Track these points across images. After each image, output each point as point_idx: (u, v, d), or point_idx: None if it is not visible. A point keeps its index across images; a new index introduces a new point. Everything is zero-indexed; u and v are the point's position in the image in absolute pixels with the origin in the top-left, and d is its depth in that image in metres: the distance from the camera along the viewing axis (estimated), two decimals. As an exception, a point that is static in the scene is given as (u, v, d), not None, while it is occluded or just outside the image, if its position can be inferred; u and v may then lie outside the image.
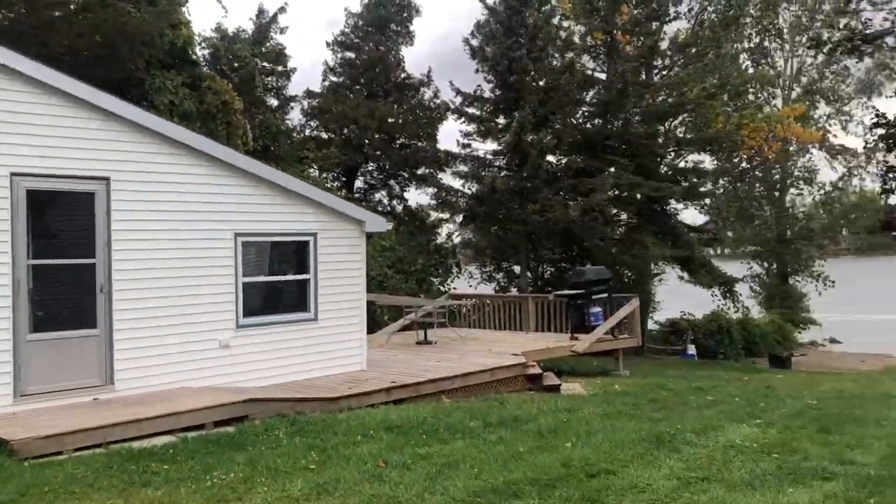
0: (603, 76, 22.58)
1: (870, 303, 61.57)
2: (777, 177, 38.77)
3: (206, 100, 16.58)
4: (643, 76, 22.60)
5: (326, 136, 26.07)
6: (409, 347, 13.68)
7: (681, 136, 22.16)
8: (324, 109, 25.44)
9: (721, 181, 34.56)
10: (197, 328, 9.29)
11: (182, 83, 15.99)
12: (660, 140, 21.66)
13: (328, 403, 8.91)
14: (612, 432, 7.73)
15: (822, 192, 39.16)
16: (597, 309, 14.14)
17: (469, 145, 22.08)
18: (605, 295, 14.35)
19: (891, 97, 36.82)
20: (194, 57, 17.36)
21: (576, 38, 23.40)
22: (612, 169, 20.07)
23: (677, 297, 32.23)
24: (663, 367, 18.31)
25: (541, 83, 21.02)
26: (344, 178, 26.60)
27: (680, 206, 24.44)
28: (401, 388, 9.81)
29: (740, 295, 24.25)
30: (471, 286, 23.64)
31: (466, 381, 10.59)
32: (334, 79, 26.97)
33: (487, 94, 21.71)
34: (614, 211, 21.55)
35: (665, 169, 23.06)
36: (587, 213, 18.80)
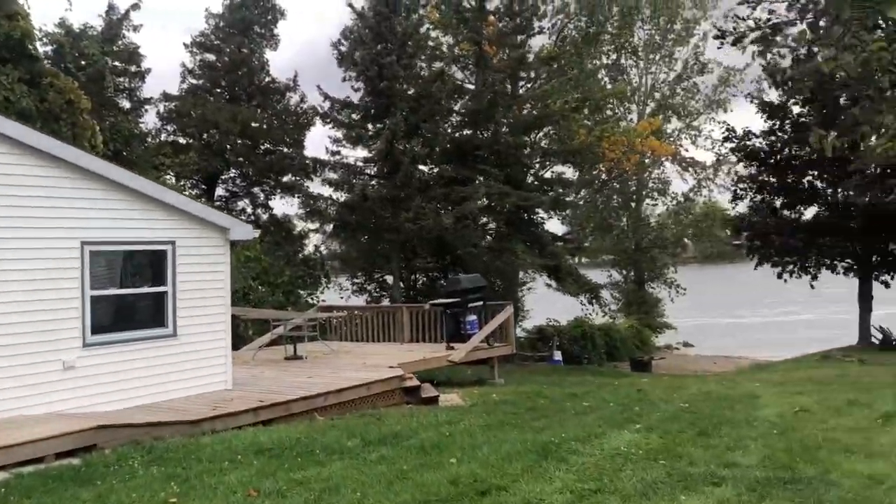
0: (472, 86, 22.66)
1: (717, 307, 65.78)
2: (633, 188, 40.53)
3: (47, 98, 15.13)
4: (509, 88, 22.87)
5: (184, 141, 24.65)
6: (278, 363, 12.94)
7: (546, 147, 22.53)
8: (182, 113, 24.04)
9: (583, 191, 35.78)
10: (36, 348, 8.26)
11: (19, 79, 14.51)
12: (527, 151, 21.93)
13: (190, 427, 8.13)
14: (497, 444, 7.44)
15: (674, 202, 41.24)
16: (472, 317, 13.95)
17: (338, 152, 21.50)
18: (481, 303, 14.20)
19: (731, 112, 39.59)
20: (33, 52, 15.82)
21: (444, 49, 23.38)
22: (482, 178, 20.07)
23: (540, 304, 32.92)
24: (534, 374, 18.43)
25: (411, 91, 20.76)
26: (204, 186, 25.24)
27: (545, 215, 24.92)
28: (270, 407, 9.14)
29: (606, 301, 24.90)
30: (341, 298, 22.98)
31: (341, 397, 10.05)
32: (193, 81, 25.58)
33: (357, 101, 21.22)
34: (484, 219, 21.58)
35: (532, 179, 23.41)
36: (460, 221, 18.68)
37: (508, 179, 21.16)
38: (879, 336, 22.37)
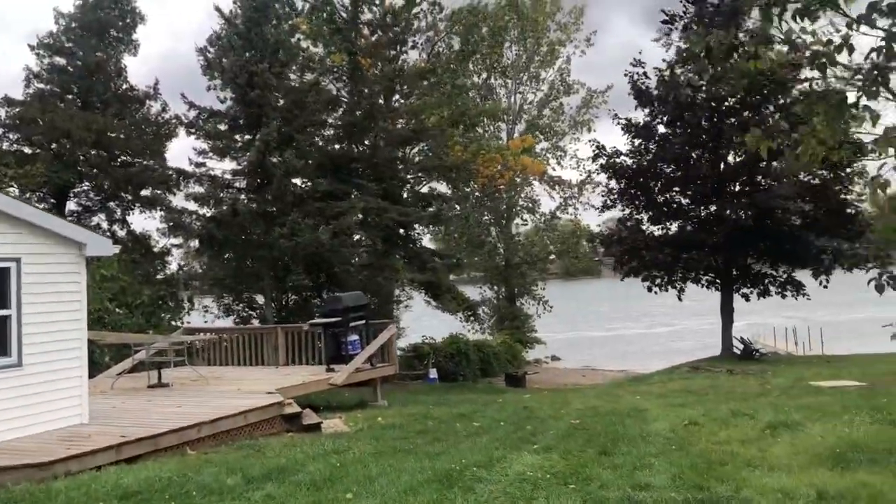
0: (346, 99, 22.06)
1: (581, 321, 67.95)
2: (504, 206, 41.10)
3: None
4: (382, 101, 22.44)
5: (30, 151, 22.56)
6: (141, 392, 11.77)
7: (423, 162, 22.24)
8: (26, 119, 21.98)
9: (457, 208, 35.87)
10: None
11: None
12: (402, 166, 21.57)
13: (39, 470, 7.06)
14: (394, 475, 6.87)
15: (542, 220, 42.14)
16: (354, 337, 13.29)
17: (204, 164, 20.24)
18: (363, 322, 13.57)
19: (595, 132, 41.05)
20: None
21: (317, 59, 22.65)
22: (359, 193, 19.46)
23: (412, 323, 32.56)
24: (415, 394, 17.93)
25: (284, 101, 19.88)
26: (53, 200, 23.16)
27: (421, 231, 24.63)
28: (134, 442, 8.14)
29: (483, 317, 24.79)
30: (206, 321, 21.61)
31: (216, 428, 9.14)
32: (40, 86, 23.51)
33: (225, 110, 20.09)
34: (358, 236, 20.96)
35: (408, 195, 23.06)
36: (337, 237, 17.97)
37: (386, 195, 20.68)
38: (741, 346, 23.45)
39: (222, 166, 20.40)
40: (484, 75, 38.17)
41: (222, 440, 9.14)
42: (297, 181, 20.04)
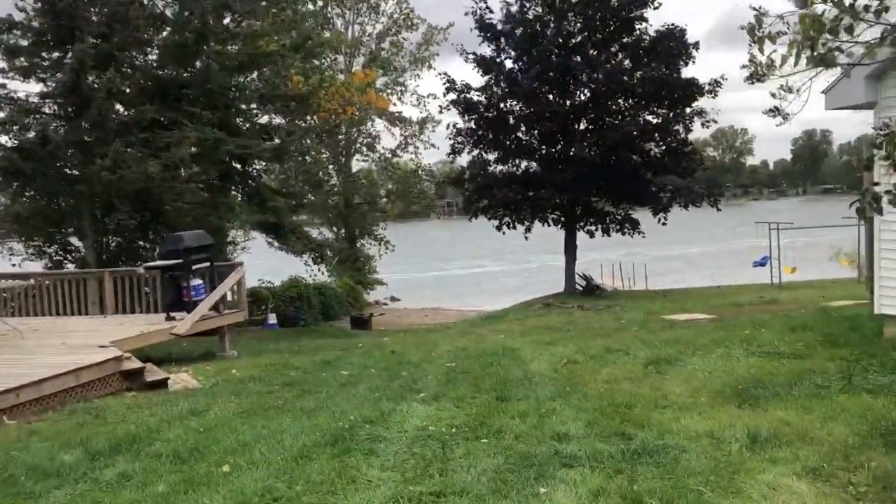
0: (174, 19, 19.71)
1: (420, 262, 68.24)
2: (343, 143, 39.66)
3: None
4: (212, 22, 20.30)
5: None
6: (-64, 351, 9.81)
7: (262, 91, 20.46)
8: None
9: (306, 142, 34.04)
10: None
11: None
12: (237, 94, 19.73)
13: None
14: (273, 439, 5.87)
15: (382, 159, 41.15)
16: (198, 281, 11.86)
17: (3, 86, 17.37)
18: (208, 264, 12.13)
19: (434, 69, 40.33)
20: None
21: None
22: (191, 123, 17.52)
23: (252, 266, 30.82)
24: (262, 342, 16.70)
25: (99, 15, 17.36)
26: None
27: (261, 167, 22.98)
28: (-66, 415, 6.56)
29: (332, 259, 23.65)
30: (14, 265, 18.98)
31: (40, 391, 7.63)
32: None
33: (27, 21, 17.24)
34: (196, 169, 19.05)
35: (247, 126, 21.28)
36: (168, 171, 16.07)
37: (221, 125, 18.84)
38: (583, 283, 24.00)
39: (27, 88, 17.65)
40: (320, 3, 36.12)
41: (49, 405, 7.67)
42: (120, 108, 17.70)
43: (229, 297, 12.76)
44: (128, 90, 17.76)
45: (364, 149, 40.29)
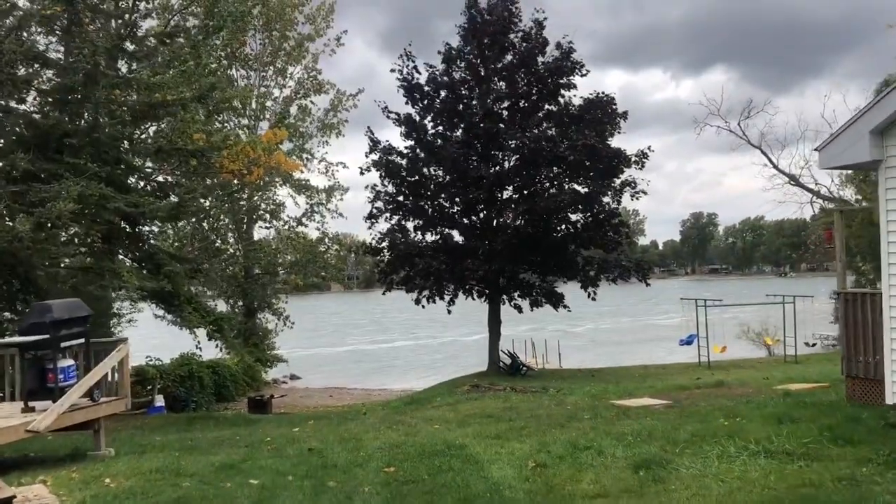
0: (60, 57, 17.44)
1: (320, 337, 65.36)
2: (244, 209, 37.34)
3: None
4: (104, 66, 18.15)
5: None
6: None
7: (160, 144, 18.29)
8: None
9: (205, 201, 31.53)
10: None
11: None
12: (127, 146, 17.52)
13: None
14: None
15: (287, 227, 39.00)
16: (68, 362, 9.48)
17: None
18: (81, 341, 9.76)
19: (344, 137, 38.84)
20: None
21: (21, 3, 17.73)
22: (72, 176, 15.14)
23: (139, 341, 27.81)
24: (146, 431, 14.11)
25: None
26: None
27: (155, 229, 20.57)
28: None
29: (231, 333, 21.16)
30: None
31: None
32: None
33: None
34: (75, 230, 16.55)
35: (141, 184, 18.99)
36: (41, 229, 13.60)
37: (110, 181, 16.53)
38: (507, 361, 22.40)
39: None
40: (224, 62, 34.23)
41: None
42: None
43: (109, 381, 10.37)
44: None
45: (267, 216, 38.06)
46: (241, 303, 39.03)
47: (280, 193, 37.93)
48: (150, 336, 25.72)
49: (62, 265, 16.79)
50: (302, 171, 37.03)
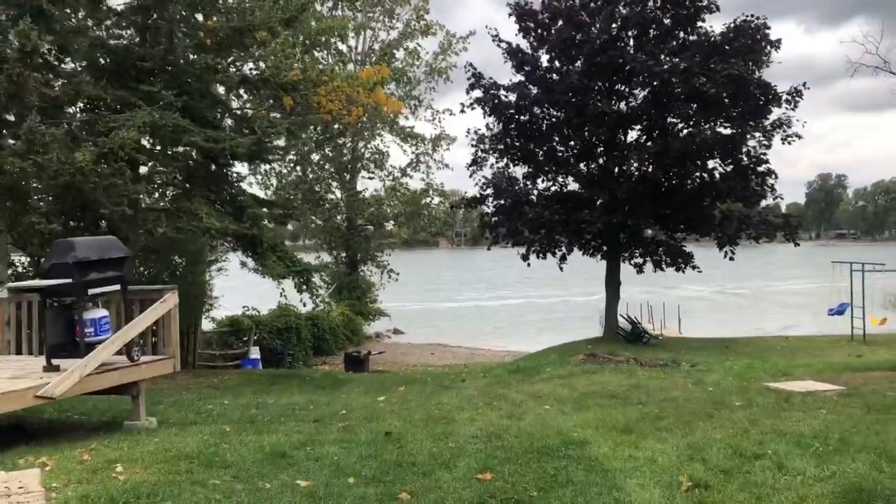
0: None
1: (423, 291, 64.22)
2: (348, 157, 35.90)
3: None
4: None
5: None
6: None
7: (248, 74, 16.60)
8: None
9: (293, 154, 30.22)
10: None
11: None
12: (216, 76, 15.85)
13: None
14: None
15: (391, 177, 37.36)
16: (100, 313, 7.79)
17: None
18: (117, 287, 8.05)
19: (452, 82, 36.53)
20: None
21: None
22: (146, 105, 13.59)
23: (235, 293, 26.87)
24: (216, 394, 12.56)
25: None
26: None
27: (243, 170, 19.13)
28: None
29: (319, 288, 19.56)
30: None
31: None
32: None
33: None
34: (152, 165, 15.16)
35: (230, 120, 17.43)
36: (105, 161, 12.09)
37: (191, 113, 15.00)
38: (627, 327, 19.83)
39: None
40: (329, 3, 32.42)
41: None
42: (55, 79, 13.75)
43: (153, 339, 8.69)
44: (68, 59, 13.87)
45: (371, 165, 36.48)
46: (344, 254, 37.92)
47: (385, 141, 36.27)
48: (253, 285, 24.59)
49: (141, 206, 15.43)
50: (405, 116, 35.12)
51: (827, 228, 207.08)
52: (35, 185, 12.45)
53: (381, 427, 8.02)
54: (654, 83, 18.50)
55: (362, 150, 36.09)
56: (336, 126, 27.24)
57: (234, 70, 16.57)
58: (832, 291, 21.29)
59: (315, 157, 32.63)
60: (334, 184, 36.17)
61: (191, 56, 15.59)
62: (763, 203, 20.35)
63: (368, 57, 34.74)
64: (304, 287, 15.85)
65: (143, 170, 15.22)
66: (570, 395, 10.38)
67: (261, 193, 28.20)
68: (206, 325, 24.23)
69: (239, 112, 18.42)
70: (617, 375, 12.11)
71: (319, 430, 8.05)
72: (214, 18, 16.28)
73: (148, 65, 14.14)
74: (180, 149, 15.94)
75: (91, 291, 7.63)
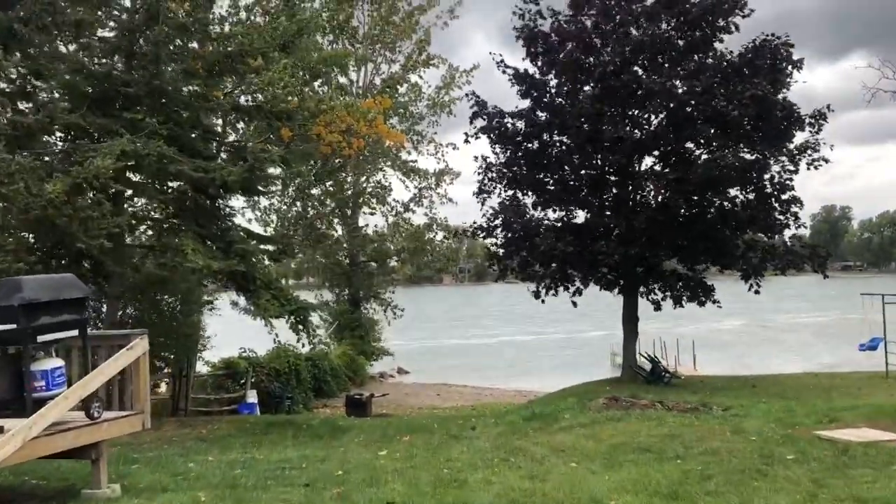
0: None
1: (427, 328, 62.94)
2: (349, 192, 34.98)
3: None
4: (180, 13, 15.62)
5: None
6: None
7: (239, 103, 15.67)
8: None
9: (291, 189, 29.33)
10: None
11: None
12: (202, 102, 14.90)
13: None
14: None
15: (393, 212, 36.34)
16: (52, 364, 6.68)
17: None
18: (74, 333, 6.94)
19: (455, 116, 35.70)
20: None
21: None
22: (129, 134, 12.62)
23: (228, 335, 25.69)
24: (203, 447, 11.37)
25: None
26: None
27: (236, 204, 18.16)
28: None
29: (317, 328, 18.40)
30: None
31: None
32: None
33: None
34: (141, 203, 14.15)
35: (221, 151, 16.47)
36: (80, 192, 11.08)
37: (180, 143, 14.07)
38: (647, 366, 18.60)
39: None
40: (330, 37, 31.72)
41: None
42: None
43: (119, 393, 7.54)
44: (44, 87, 12.96)
45: (373, 200, 35.50)
46: (346, 292, 36.80)
47: (387, 175, 35.38)
48: (251, 325, 23.43)
49: (124, 241, 14.41)
50: (407, 150, 34.26)
51: (832, 260, 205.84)
52: (9, 218, 11.42)
53: (383, 495, 6.85)
54: (672, 105, 17.53)
55: (364, 184, 35.16)
56: (337, 161, 26.30)
57: (227, 100, 15.59)
58: (864, 325, 20.13)
59: (315, 191, 31.70)
60: (335, 220, 35.16)
61: (180, 84, 14.64)
62: (787, 233, 19.30)
63: (370, 91, 33.98)
64: (301, 327, 14.70)
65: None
66: (596, 449, 9.17)
67: (261, 231, 27.27)
68: (200, 367, 23.07)
69: (236, 144, 17.43)
70: (645, 423, 10.90)
71: (310, 498, 6.88)
72: (210, 47, 15.39)
73: (133, 90, 13.20)
74: (173, 183, 15.00)
75: (41, 338, 6.53)
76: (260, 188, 14.98)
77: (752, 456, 8.37)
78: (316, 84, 23.42)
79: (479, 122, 19.03)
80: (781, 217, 18.49)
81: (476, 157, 19.39)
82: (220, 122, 18.62)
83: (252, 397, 22.50)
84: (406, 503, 6.45)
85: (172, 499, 6.76)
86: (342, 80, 32.49)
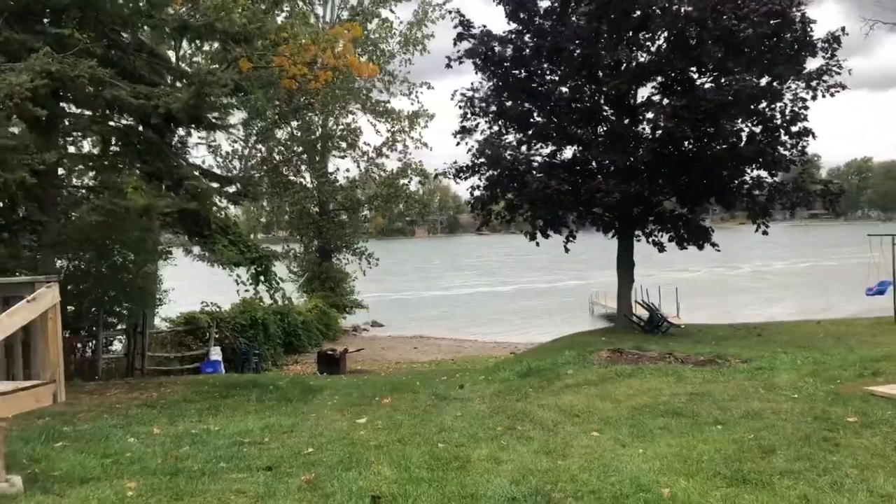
0: None
1: (399, 280, 61.49)
2: (318, 135, 32.96)
3: None
4: None
5: None
6: None
7: (190, 20, 13.68)
8: None
9: (255, 132, 27.33)
10: None
11: None
12: (150, 20, 12.92)
13: None
14: None
15: (364, 158, 34.44)
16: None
17: None
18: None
19: (429, 53, 33.66)
20: None
21: None
22: (50, 49, 10.68)
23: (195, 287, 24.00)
24: (151, 414, 9.74)
25: None
26: None
27: (190, 138, 16.29)
28: None
29: (281, 280, 16.68)
30: None
31: None
32: None
33: None
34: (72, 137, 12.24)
35: (171, 77, 14.54)
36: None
37: (121, 68, 12.19)
38: (643, 315, 17.26)
39: None
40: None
41: None
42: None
43: (22, 358, 5.87)
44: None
45: (342, 144, 33.54)
46: (315, 242, 35.01)
47: (357, 118, 33.39)
48: (215, 276, 21.57)
49: (59, 180, 12.58)
50: (378, 89, 32.20)
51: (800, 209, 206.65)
52: None
53: (366, 482, 5.32)
54: (679, 25, 15.82)
55: (333, 127, 33.14)
56: (303, 98, 24.36)
57: (174, 17, 13.58)
58: (871, 268, 18.98)
59: (280, 134, 29.72)
60: (303, 166, 33.23)
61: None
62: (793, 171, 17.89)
63: (336, 22, 31.75)
64: (262, 278, 13.03)
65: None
66: (616, 413, 7.74)
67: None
68: (159, 323, 21.37)
69: (189, 73, 15.45)
70: (663, 379, 9.49)
71: (272, 488, 5.34)
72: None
73: (67, 3, 11.21)
74: (116, 118, 13.09)
75: None
76: (213, 120, 13.05)
77: (805, 419, 7.00)
78: (280, 17, 21.39)
79: (465, 45, 17.20)
80: (787, 152, 17.06)
81: (454, 92, 17.57)
82: (172, 52, 16.60)
83: (216, 355, 20.90)
84: (397, 497, 4.92)
85: (90, 494, 5.18)
86: (306, 9, 30.24)
